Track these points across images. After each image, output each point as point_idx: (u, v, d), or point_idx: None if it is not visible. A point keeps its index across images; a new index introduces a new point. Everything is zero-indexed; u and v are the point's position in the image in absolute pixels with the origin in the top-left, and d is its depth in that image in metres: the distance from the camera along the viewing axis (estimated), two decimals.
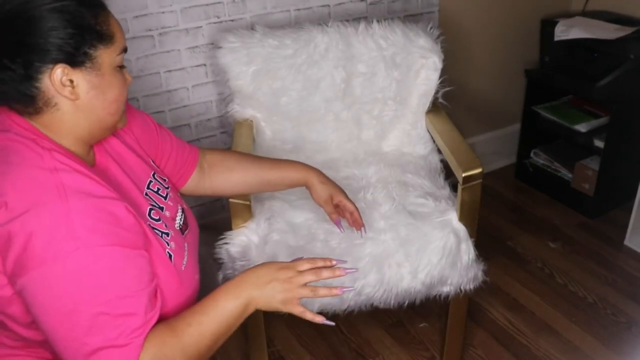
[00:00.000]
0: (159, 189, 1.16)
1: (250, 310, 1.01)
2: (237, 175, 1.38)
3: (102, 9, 0.98)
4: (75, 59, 0.94)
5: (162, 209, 1.12)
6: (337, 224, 1.43)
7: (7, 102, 0.97)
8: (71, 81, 0.95)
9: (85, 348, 0.90)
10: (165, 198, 1.16)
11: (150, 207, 1.08)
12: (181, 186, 1.34)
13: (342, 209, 1.41)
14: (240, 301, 1.00)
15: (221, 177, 1.38)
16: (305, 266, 1.04)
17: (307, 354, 1.87)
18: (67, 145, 0.99)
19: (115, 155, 1.11)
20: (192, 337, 0.97)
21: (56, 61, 0.93)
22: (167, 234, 1.07)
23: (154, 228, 1.04)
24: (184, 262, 1.09)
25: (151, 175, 1.17)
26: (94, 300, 0.90)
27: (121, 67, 1.02)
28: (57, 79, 0.94)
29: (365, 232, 1.43)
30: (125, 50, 1.02)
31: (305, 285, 1.02)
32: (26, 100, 0.95)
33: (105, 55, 0.97)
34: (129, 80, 1.05)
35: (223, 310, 0.99)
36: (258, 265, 1.04)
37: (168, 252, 1.05)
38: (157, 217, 1.08)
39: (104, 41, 0.97)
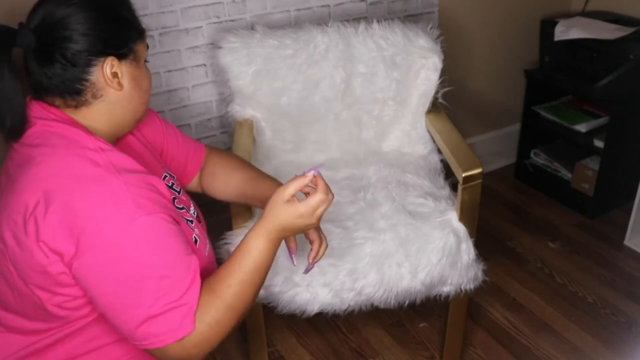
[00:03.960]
0: (173, 184, 1.19)
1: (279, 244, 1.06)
2: (220, 183, 1.37)
3: (133, 6, 1.07)
4: (123, 51, 1.02)
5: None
6: (290, 255, 1.21)
7: (51, 97, 1.02)
8: (117, 73, 1.02)
9: (151, 311, 0.93)
10: (179, 193, 1.19)
11: (173, 197, 1.12)
12: (185, 184, 1.37)
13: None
14: (274, 244, 1.03)
15: (208, 181, 1.38)
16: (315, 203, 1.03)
17: (307, 354, 1.87)
18: (100, 136, 1.04)
19: (135, 150, 1.16)
20: (236, 295, 0.99)
21: (107, 54, 1.00)
22: (191, 222, 1.13)
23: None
24: (207, 249, 1.14)
25: (164, 170, 1.21)
26: (159, 263, 0.95)
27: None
28: (108, 72, 1.01)
29: (306, 272, 1.21)
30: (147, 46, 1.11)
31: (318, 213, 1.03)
32: (73, 93, 1.01)
33: (141, 49, 1.07)
34: None
35: (261, 261, 1.01)
36: (278, 212, 1.02)
37: (194, 237, 1.10)
38: (181, 206, 1.13)
39: (140, 35, 1.06)
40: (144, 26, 1.09)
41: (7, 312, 1.05)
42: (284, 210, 1.01)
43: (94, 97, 1.02)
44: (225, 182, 1.37)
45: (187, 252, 0.98)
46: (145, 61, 1.11)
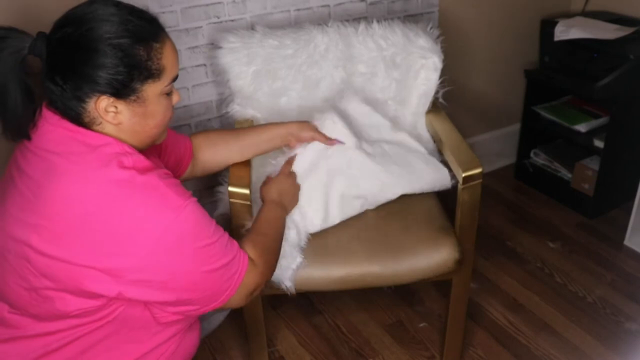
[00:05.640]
0: None
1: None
2: (221, 148, 1.49)
3: (158, 41, 1.03)
4: (122, 92, 1.00)
5: None
6: (336, 141, 1.57)
7: (57, 110, 1.02)
8: (116, 107, 1.00)
9: (217, 265, 1.06)
10: None
11: None
12: (180, 175, 1.41)
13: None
14: (283, 209, 1.41)
15: (208, 155, 1.47)
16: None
17: (307, 354, 1.87)
18: None
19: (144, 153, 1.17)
20: (271, 234, 1.30)
21: (103, 93, 0.98)
22: None
23: None
24: None
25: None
26: (209, 233, 1.05)
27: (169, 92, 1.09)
28: (101, 107, 0.99)
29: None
30: (175, 78, 1.09)
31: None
32: (73, 114, 1.01)
33: (152, 89, 1.03)
34: (177, 100, 1.13)
35: (278, 219, 1.37)
36: (277, 188, 1.45)
37: None
38: None
39: (152, 77, 1.02)
40: (164, 63, 1.04)
41: (18, 314, 1.05)
42: (269, 187, 1.45)
43: (92, 123, 1.02)
44: (226, 144, 1.49)
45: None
46: (167, 94, 1.08)
